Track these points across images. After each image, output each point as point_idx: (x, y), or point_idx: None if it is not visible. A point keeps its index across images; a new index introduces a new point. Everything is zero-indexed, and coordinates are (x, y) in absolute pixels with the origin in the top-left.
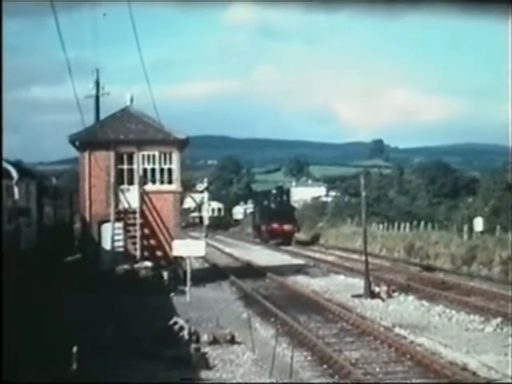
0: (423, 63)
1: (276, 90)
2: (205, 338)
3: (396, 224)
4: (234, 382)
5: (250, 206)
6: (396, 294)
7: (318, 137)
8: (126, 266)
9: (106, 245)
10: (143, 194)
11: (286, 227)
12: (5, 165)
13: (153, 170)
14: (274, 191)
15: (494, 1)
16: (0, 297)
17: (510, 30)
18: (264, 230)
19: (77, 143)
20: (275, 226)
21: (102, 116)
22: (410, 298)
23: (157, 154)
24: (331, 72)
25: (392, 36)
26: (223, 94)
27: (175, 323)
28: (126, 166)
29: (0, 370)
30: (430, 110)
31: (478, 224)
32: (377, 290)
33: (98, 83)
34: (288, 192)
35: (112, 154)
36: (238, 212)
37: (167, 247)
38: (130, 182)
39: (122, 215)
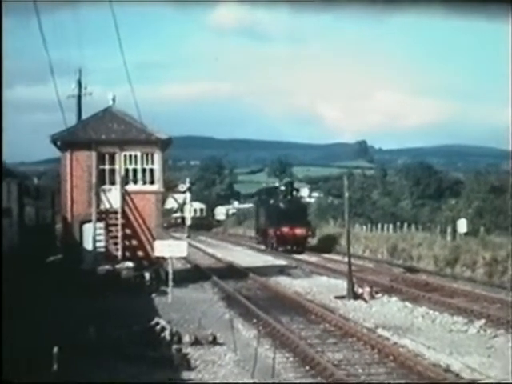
0: (409, 65)
1: (261, 91)
2: (186, 338)
3: (379, 225)
4: (217, 382)
5: (232, 207)
6: (379, 295)
7: (302, 138)
8: (108, 267)
9: (88, 245)
10: (125, 195)
11: (299, 231)
12: None
13: (135, 171)
14: (282, 187)
15: (494, 1)
16: (0, 297)
17: (510, 29)
18: (272, 235)
19: (58, 143)
20: (285, 229)
21: (85, 116)
22: (394, 299)
23: (139, 154)
24: (317, 73)
25: (379, 38)
26: (207, 94)
27: (157, 324)
28: (107, 166)
29: (0, 370)
30: (415, 111)
31: (462, 226)
32: (360, 291)
33: (80, 83)
34: (298, 189)
35: (94, 154)
36: (221, 212)
37: (149, 248)
38: (112, 182)
39: (104, 215)
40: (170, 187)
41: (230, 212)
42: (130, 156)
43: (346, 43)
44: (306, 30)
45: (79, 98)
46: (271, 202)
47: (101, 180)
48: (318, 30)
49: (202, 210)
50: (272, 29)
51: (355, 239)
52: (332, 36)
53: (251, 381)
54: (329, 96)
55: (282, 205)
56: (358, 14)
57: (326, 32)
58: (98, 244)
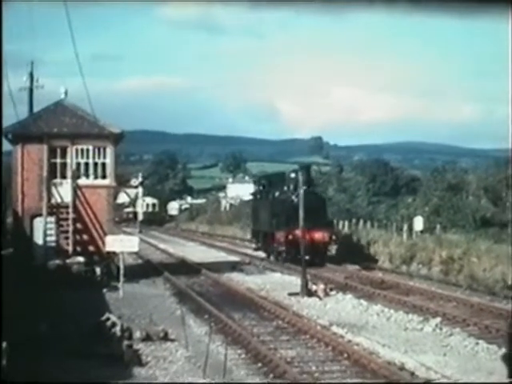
0: (369, 62)
1: (216, 85)
2: (138, 334)
3: (334, 221)
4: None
5: (184, 202)
6: (334, 292)
7: (258, 133)
8: (58, 261)
9: (38, 239)
10: (76, 189)
11: (319, 235)
12: None
13: (86, 165)
14: (292, 175)
15: (493, 1)
16: (0, 297)
17: (510, 29)
18: (280, 240)
19: (10, 136)
20: (299, 233)
21: (36, 109)
22: (348, 296)
23: (91, 148)
24: (274, 68)
25: (340, 34)
26: (162, 89)
27: (107, 319)
28: (59, 160)
29: None
30: (372, 108)
31: (418, 223)
32: (314, 288)
33: (32, 76)
34: (313, 178)
35: (45, 148)
36: (173, 208)
37: (100, 242)
38: (63, 176)
39: (55, 209)
40: (122, 182)
41: (183, 207)
42: (82, 150)
43: (305, 39)
44: (265, 25)
45: (31, 90)
46: (277, 194)
47: (52, 174)
48: (277, 25)
49: (154, 204)
50: (229, 23)
51: None
52: (291, 31)
53: (203, 381)
54: (286, 91)
55: (295, 199)
56: (318, 9)
57: (285, 27)
58: (48, 238)
